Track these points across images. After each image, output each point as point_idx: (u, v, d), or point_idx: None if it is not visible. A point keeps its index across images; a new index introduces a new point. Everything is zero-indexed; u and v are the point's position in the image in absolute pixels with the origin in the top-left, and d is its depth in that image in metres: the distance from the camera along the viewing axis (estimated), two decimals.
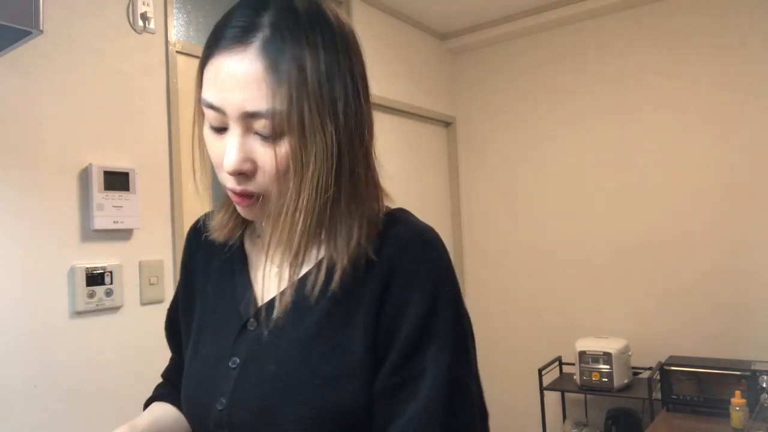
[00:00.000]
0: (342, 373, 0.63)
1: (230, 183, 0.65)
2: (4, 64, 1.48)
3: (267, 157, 0.63)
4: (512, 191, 3.18)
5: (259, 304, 0.71)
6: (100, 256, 1.66)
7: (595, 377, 2.49)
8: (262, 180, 0.64)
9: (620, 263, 2.83)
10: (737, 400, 2.05)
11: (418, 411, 0.61)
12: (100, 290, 1.63)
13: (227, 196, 0.70)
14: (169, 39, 1.88)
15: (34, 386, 1.50)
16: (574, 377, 2.59)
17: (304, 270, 0.69)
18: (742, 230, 2.53)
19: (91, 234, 1.64)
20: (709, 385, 2.28)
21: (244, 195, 0.66)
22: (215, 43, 0.63)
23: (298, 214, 0.63)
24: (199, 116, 0.68)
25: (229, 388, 0.67)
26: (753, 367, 2.22)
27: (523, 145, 3.14)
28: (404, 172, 2.97)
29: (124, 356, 1.68)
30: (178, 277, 0.90)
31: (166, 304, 1.93)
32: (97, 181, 1.63)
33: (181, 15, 1.97)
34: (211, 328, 0.74)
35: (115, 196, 1.67)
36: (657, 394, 2.41)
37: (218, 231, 0.76)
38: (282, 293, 0.68)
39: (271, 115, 0.61)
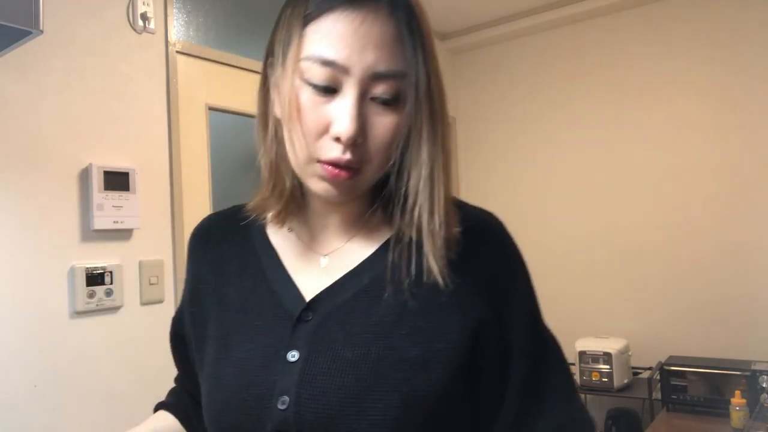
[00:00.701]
0: (430, 356, 0.60)
1: (335, 152, 0.58)
2: (4, 64, 1.48)
3: (381, 124, 0.59)
4: (512, 191, 3.18)
5: (306, 295, 0.65)
6: (100, 256, 1.66)
7: (595, 377, 2.49)
8: (370, 150, 0.59)
9: (620, 263, 2.83)
10: (737, 400, 2.04)
11: (563, 383, 0.68)
12: (100, 290, 1.63)
13: (277, 181, 0.65)
14: (169, 39, 1.88)
15: (34, 386, 1.50)
16: (574, 377, 2.59)
17: (368, 252, 0.66)
18: (743, 230, 2.53)
19: (91, 234, 1.64)
20: (709, 385, 2.28)
21: (348, 167, 0.59)
22: None
23: (415, 187, 0.61)
24: (293, 75, 0.59)
25: (293, 383, 0.60)
26: (753, 367, 2.22)
27: (523, 144, 3.14)
28: None
29: (124, 356, 1.68)
30: (179, 280, 0.87)
31: (167, 304, 1.92)
32: (97, 181, 1.63)
33: (181, 15, 1.97)
34: (244, 329, 0.67)
35: (115, 196, 1.67)
36: (657, 394, 2.41)
37: (277, 218, 0.68)
38: (345, 278, 0.65)
39: (414, 77, 0.59)
